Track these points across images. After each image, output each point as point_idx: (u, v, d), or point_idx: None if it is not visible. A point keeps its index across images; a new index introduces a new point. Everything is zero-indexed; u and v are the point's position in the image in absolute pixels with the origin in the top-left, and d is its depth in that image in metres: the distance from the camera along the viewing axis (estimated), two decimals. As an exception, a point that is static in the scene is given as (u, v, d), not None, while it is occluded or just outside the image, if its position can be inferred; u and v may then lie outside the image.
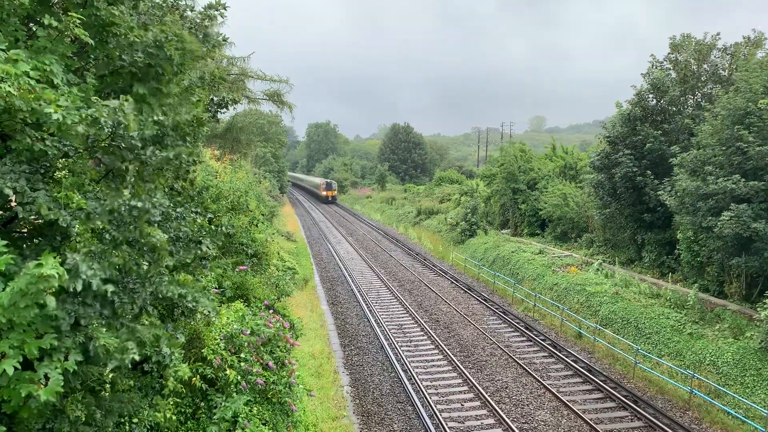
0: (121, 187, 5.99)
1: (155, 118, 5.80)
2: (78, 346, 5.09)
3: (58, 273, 4.34)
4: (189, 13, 8.65)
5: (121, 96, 5.29)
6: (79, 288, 4.66)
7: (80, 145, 5.43)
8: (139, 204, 5.62)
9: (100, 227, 5.50)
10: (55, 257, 4.40)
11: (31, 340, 4.43)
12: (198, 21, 8.70)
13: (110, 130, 5.21)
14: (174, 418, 9.92)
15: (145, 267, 6.25)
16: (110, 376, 6.76)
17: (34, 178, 5.22)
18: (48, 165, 5.54)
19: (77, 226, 5.37)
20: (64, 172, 6.12)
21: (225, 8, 8.92)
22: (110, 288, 5.18)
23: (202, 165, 21.03)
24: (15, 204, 5.15)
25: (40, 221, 5.49)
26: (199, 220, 7.34)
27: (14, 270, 4.65)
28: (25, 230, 6.13)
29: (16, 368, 4.32)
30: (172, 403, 10.33)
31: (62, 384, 4.68)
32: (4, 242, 4.47)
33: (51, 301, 4.37)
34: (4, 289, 4.34)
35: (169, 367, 6.70)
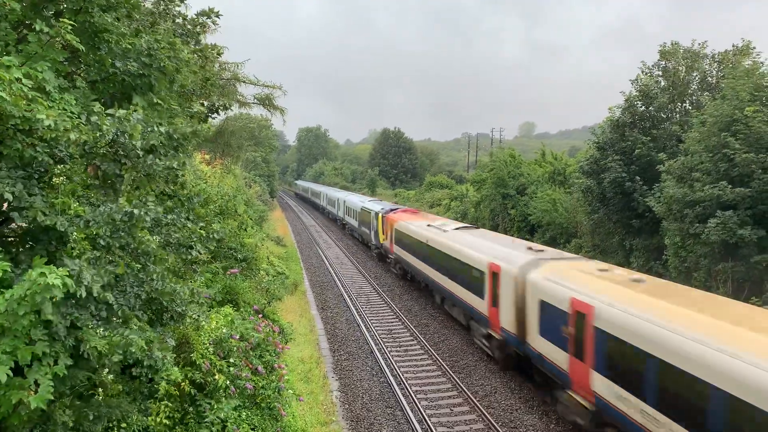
0: (115, 193, 5.99)
1: (161, 129, 5.82)
2: (68, 349, 5.08)
3: (63, 282, 4.33)
4: (180, 20, 8.61)
5: (130, 106, 5.31)
6: (84, 294, 4.66)
7: (75, 151, 5.43)
8: (135, 211, 5.64)
9: (94, 233, 5.51)
10: (47, 263, 4.38)
11: (24, 346, 4.42)
12: (190, 28, 8.68)
13: (111, 137, 5.22)
14: (166, 422, 9.92)
15: (144, 270, 6.27)
16: (108, 377, 6.76)
17: (30, 184, 5.21)
18: (43, 170, 5.53)
19: (75, 233, 5.37)
20: (62, 178, 6.11)
21: (218, 16, 8.90)
22: (109, 296, 5.19)
23: (192, 169, 21.00)
24: (6, 208, 5.14)
25: (32, 226, 5.49)
26: (190, 225, 7.35)
27: (9, 275, 4.64)
28: (12, 236, 6.09)
29: (7, 375, 4.31)
30: (164, 407, 10.34)
31: (52, 390, 4.66)
32: (-2, 249, 4.47)
33: (48, 308, 4.37)
34: None
35: (161, 371, 6.71)
